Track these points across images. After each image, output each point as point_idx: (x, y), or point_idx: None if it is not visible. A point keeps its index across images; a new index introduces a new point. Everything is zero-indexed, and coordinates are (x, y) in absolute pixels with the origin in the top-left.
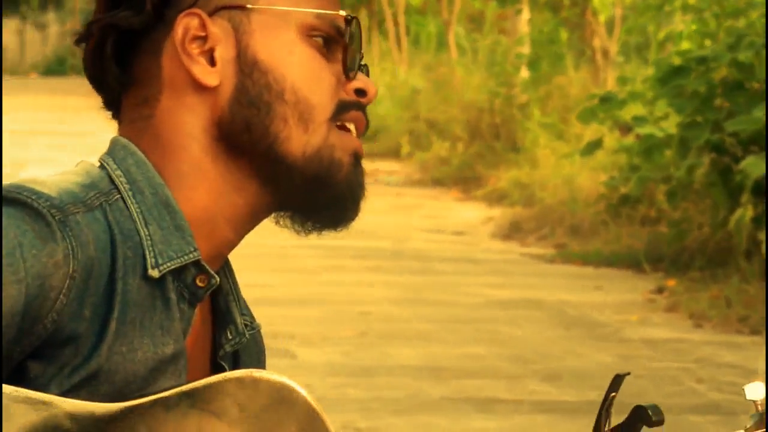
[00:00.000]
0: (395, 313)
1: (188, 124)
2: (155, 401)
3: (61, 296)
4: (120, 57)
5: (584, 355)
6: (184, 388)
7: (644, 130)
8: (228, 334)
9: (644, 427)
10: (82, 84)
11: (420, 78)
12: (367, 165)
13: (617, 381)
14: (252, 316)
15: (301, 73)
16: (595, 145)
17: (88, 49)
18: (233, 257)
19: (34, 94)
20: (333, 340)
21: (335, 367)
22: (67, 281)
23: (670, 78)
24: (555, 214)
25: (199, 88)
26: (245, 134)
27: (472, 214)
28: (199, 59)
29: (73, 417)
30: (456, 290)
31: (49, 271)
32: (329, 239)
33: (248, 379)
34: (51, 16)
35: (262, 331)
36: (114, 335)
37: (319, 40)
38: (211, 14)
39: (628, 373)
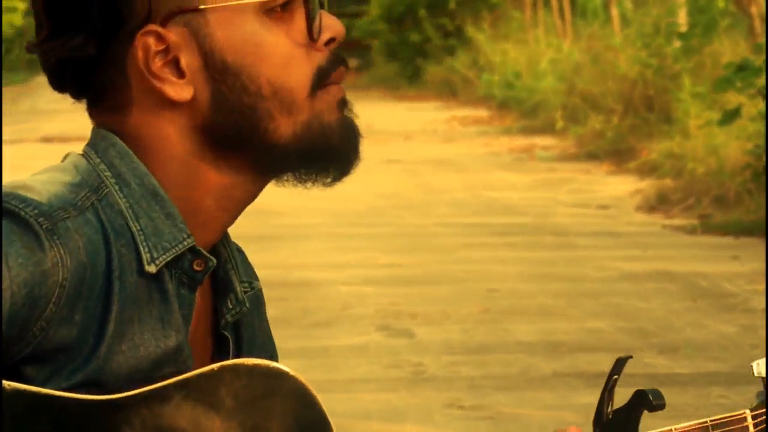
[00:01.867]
0: (523, 289)
1: (168, 134)
2: (150, 393)
3: (51, 305)
4: (81, 77)
5: (706, 327)
6: (179, 378)
7: None
8: (228, 303)
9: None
10: None
11: (582, 52)
12: (523, 141)
13: (619, 364)
14: (254, 277)
15: (271, 62)
16: (733, 114)
17: (46, 65)
18: (368, 237)
19: None
20: (454, 318)
21: (451, 345)
22: (57, 290)
23: None
24: (702, 185)
25: (174, 102)
26: (234, 137)
27: (621, 187)
28: (167, 76)
29: (68, 409)
30: (590, 264)
31: (37, 279)
32: (471, 217)
33: (243, 368)
34: None
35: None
36: (113, 335)
37: (278, 9)
38: (165, 23)
39: (630, 357)
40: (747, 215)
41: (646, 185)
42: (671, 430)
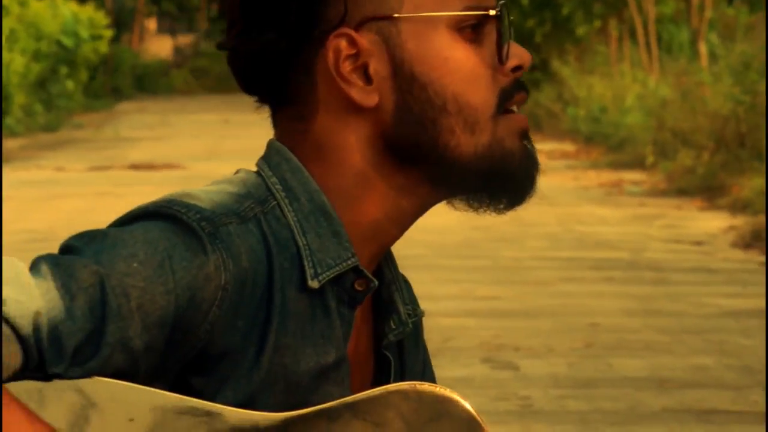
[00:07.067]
0: (624, 324)
1: (349, 141)
2: (318, 412)
3: (214, 308)
4: (270, 75)
5: None
6: (347, 399)
7: None
8: (391, 323)
9: None
10: None
11: (669, 87)
12: (611, 175)
13: None
14: (416, 304)
15: (459, 78)
16: None
17: (235, 62)
18: (466, 269)
19: None
20: (558, 352)
21: (558, 378)
22: (220, 293)
23: None
24: None
25: (358, 108)
26: (413, 149)
27: (713, 224)
28: (356, 80)
29: (237, 428)
30: (689, 300)
31: (200, 283)
32: (566, 251)
33: (412, 392)
34: None
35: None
36: (274, 347)
37: (469, 30)
38: (358, 28)
39: None
40: None
41: (740, 222)
42: None
